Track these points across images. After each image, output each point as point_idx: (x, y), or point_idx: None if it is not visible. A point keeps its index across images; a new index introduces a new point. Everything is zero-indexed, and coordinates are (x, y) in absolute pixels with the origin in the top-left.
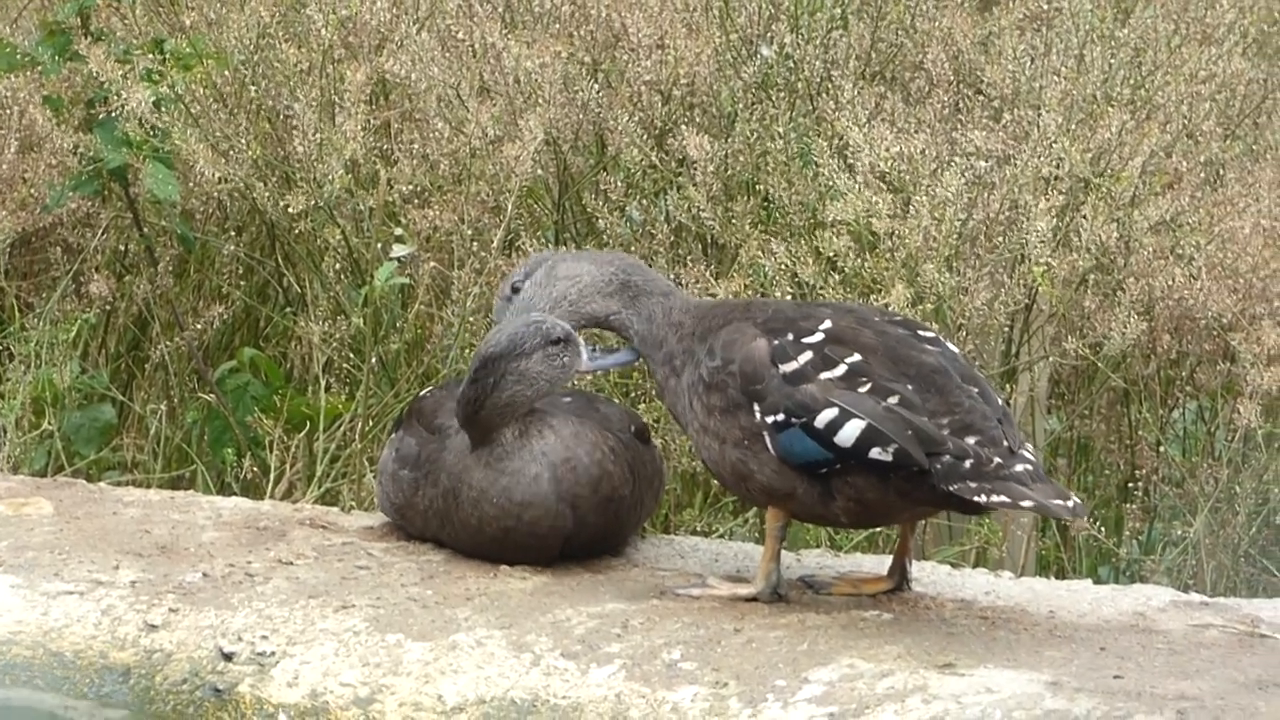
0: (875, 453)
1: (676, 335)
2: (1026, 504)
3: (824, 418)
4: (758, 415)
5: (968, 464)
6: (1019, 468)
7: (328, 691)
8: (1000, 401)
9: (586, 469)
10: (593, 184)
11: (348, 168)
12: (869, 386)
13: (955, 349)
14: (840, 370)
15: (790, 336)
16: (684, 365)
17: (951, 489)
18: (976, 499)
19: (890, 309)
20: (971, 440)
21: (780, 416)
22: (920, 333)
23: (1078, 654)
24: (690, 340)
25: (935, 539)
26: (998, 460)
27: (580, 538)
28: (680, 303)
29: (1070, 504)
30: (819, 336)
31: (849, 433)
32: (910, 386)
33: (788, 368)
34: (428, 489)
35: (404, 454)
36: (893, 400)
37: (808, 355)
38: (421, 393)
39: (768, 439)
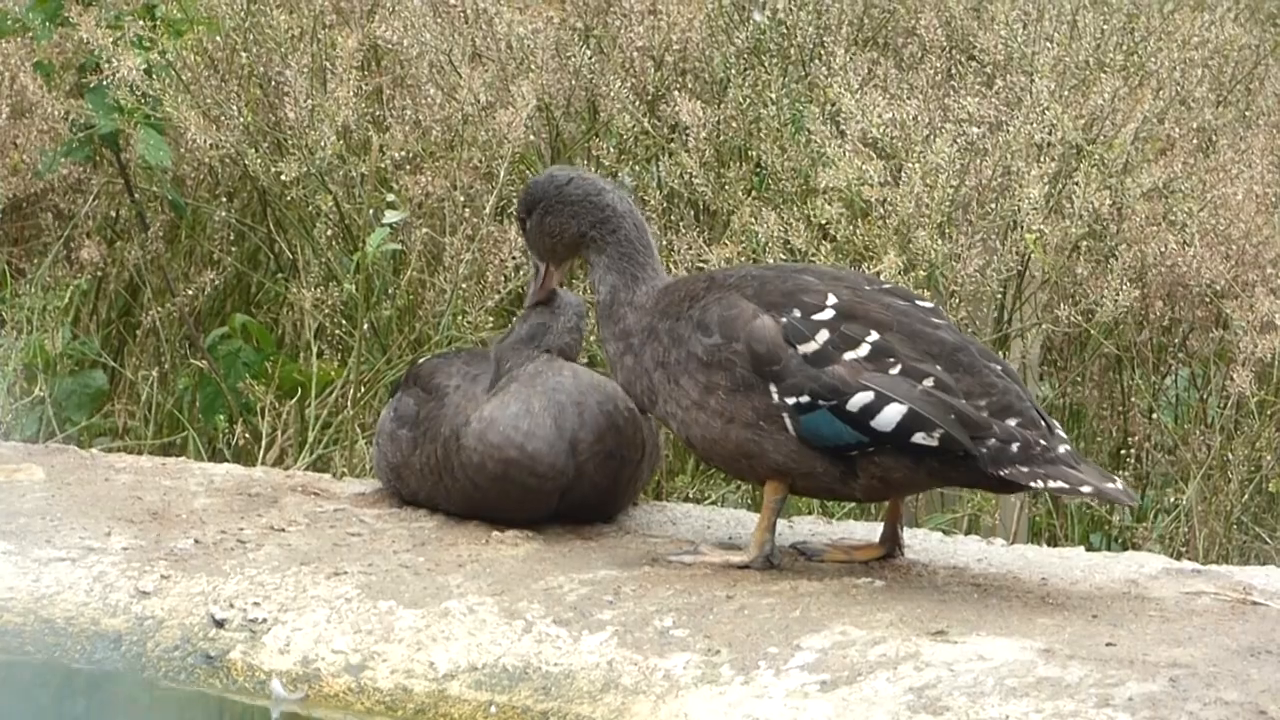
0: (919, 438)
1: (635, 314)
2: (1086, 489)
3: (858, 401)
4: (775, 396)
5: (1015, 447)
6: (1061, 449)
7: (320, 658)
8: (1019, 377)
9: (594, 416)
10: (585, 150)
11: (339, 134)
12: (899, 368)
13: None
14: (864, 350)
15: (797, 313)
16: (644, 344)
17: (1002, 474)
18: (1032, 484)
19: (869, 274)
20: (1012, 422)
21: (804, 399)
22: (919, 303)
23: (1070, 621)
24: (652, 317)
25: (927, 506)
26: (1043, 443)
27: (577, 491)
28: (647, 288)
29: (1120, 486)
30: (830, 313)
31: (889, 417)
32: (939, 367)
33: (807, 348)
34: (426, 445)
35: (402, 413)
36: (928, 383)
37: (825, 334)
38: (420, 360)
39: (788, 420)
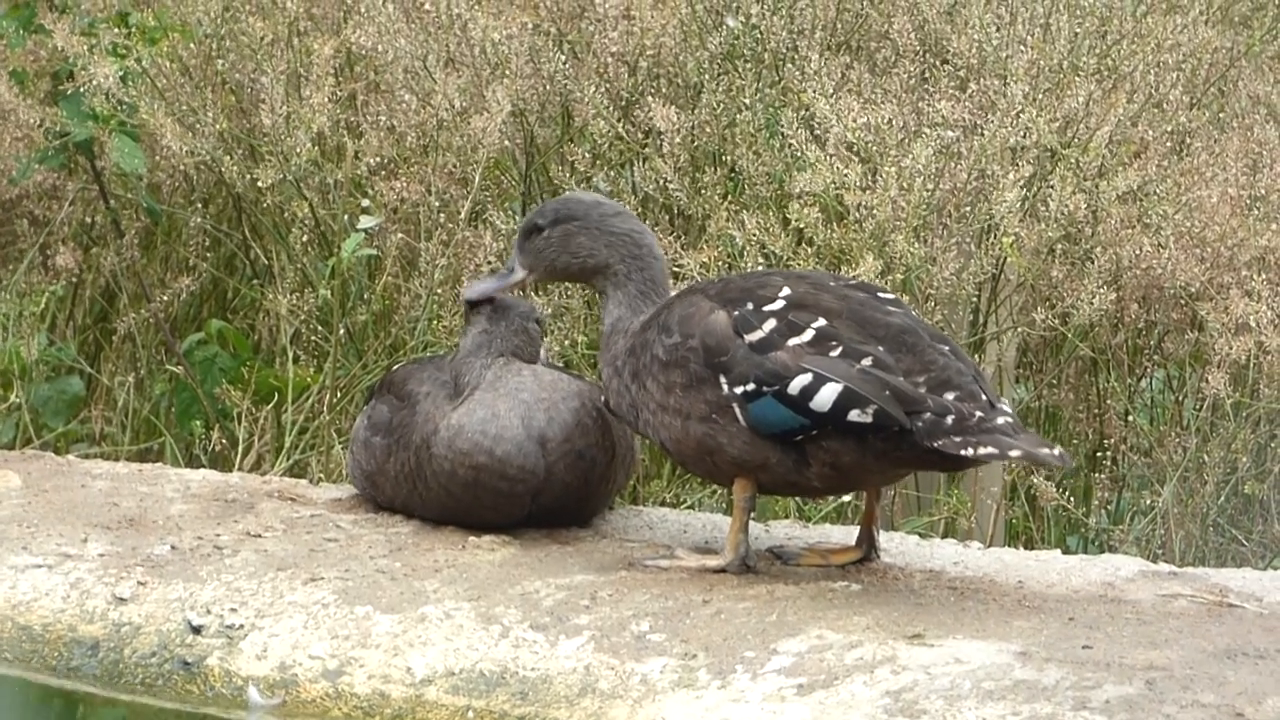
0: (854, 415)
1: (624, 339)
2: (1015, 453)
3: (797, 384)
4: (725, 388)
5: (950, 419)
6: (1000, 420)
7: (296, 664)
8: (970, 358)
9: (561, 414)
10: (559, 155)
11: (314, 140)
12: (840, 350)
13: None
14: (808, 335)
15: (750, 306)
16: (625, 363)
17: (936, 445)
18: (963, 453)
19: (843, 275)
20: (950, 396)
21: (750, 386)
22: (880, 295)
23: (1047, 624)
24: (634, 338)
25: (903, 509)
26: (979, 414)
27: (549, 493)
28: (645, 318)
29: (1056, 452)
30: (780, 304)
31: (825, 397)
32: (882, 348)
33: (753, 337)
34: (399, 453)
35: (376, 421)
36: (866, 362)
37: (772, 323)
38: (393, 367)
39: (737, 410)
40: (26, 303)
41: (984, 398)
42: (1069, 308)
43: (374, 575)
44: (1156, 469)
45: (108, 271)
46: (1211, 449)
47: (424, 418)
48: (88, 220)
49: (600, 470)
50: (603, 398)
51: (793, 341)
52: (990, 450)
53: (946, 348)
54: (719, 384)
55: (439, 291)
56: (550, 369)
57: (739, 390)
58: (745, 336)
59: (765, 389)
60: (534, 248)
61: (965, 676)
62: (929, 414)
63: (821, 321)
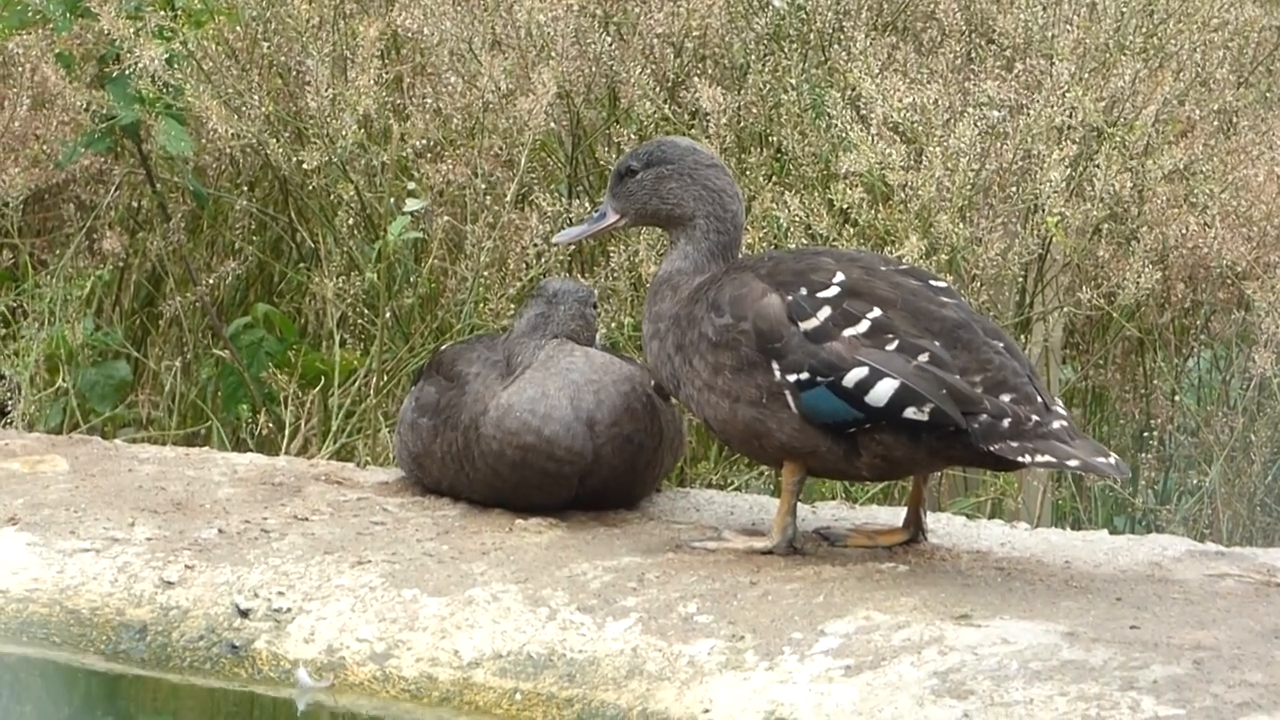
0: (910, 412)
1: (672, 300)
2: (1072, 463)
3: (853, 377)
4: (777, 374)
5: (1006, 423)
6: (1056, 425)
7: (344, 647)
8: (1024, 356)
9: (611, 397)
10: (605, 137)
11: (360, 123)
12: (896, 344)
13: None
14: (864, 326)
15: (804, 291)
16: (668, 330)
17: (992, 449)
18: (1020, 459)
19: (892, 255)
20: (1006, 398)
21: (804, 375)
22: (932, 283)
23: (1094, 604)
24: (679, 305)
25: (951, 490)
26: (1036, 418)
27: (596, 476)
28: (699, 280)
29: (1113, 460)
30: (834, 290)
31: (881, 392)
32: (938, 343)
33: (808, 325)
34: (447, 433)
35: (424, 402)
36: (923, 358)
37: (827, 311)
38: (442, 347)
39: (789, 398)
40: (73, 287)
41: (1039, 400)
42: (1115, 287)
43: (421, 558)
44: (1203, 449)
45: (154, 255)
46: (1259, 428)
47: (473, 398)
48: (134, 204)
49: (648, 455)
50: (651, 381)
51: (848, 332)
52: (1047, 458)
53: (1001, 344)
54: (771, 370)
55: (485, 274)
56: (602, 352)
57: (792, 378)
58: (800, 324)
59: (819, 379)
60: (626, 190)
61: (1013, 657)
62: (985, 416)
63: (877, 312)
